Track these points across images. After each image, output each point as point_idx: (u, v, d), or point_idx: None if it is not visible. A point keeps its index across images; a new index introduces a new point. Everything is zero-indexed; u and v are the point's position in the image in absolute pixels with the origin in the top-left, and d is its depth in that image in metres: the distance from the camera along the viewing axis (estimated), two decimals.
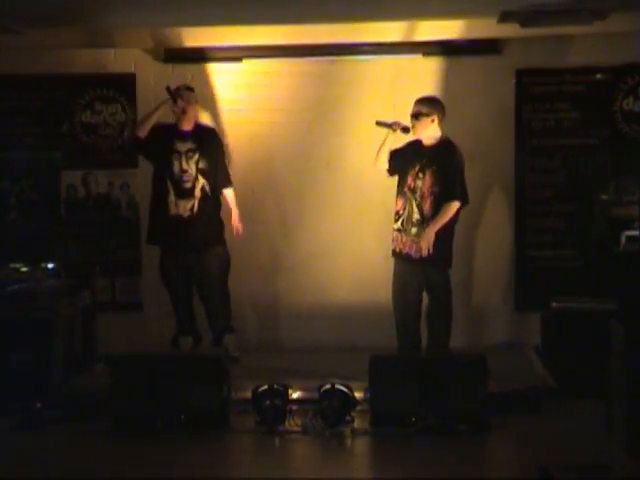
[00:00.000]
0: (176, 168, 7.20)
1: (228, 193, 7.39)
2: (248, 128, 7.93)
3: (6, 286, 6.76)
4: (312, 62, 8.03)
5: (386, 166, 7.01)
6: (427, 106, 6.88)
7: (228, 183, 7.39)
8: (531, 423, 5.97)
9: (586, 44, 7.69)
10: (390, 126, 6.92)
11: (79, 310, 7.14)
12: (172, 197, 7.21)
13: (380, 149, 6.96)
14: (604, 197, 7.63)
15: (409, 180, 6.87)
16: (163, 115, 7.25)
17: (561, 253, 7.93)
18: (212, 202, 7.30)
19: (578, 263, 7.81)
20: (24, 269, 7.06)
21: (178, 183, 7.21)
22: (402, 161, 6.94)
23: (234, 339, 7.39)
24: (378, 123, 6.96)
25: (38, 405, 6.30)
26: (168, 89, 7.18)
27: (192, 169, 7.22)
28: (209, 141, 7.34)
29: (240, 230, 7.36)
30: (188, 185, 7.21)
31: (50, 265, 7.11)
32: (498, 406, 6.00)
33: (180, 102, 7.18)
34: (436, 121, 6.88)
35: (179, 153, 7.22)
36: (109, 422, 5.99)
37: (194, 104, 7.29)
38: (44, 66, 8.01)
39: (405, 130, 6.90)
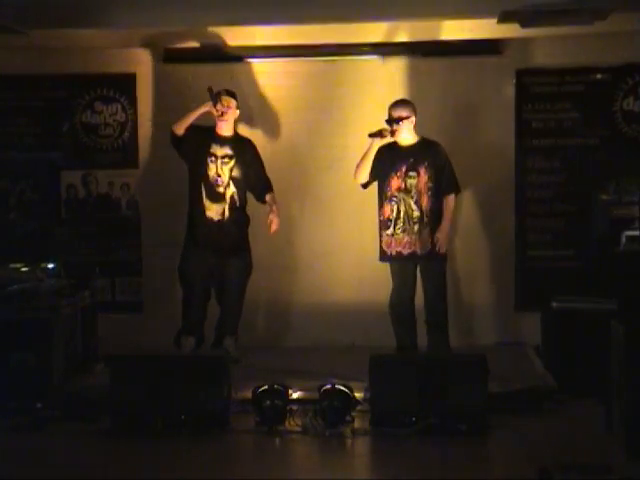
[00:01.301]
0: (211, 172, 7.25)
1: (270, 195, 7.40)
2: (248, 128, 7.93)
3: (6, 286, 6.75)
4: (312, 62, 8.04)
5: (366, 179, 7.08)
6: (407, 109, 7.04)
7: (270, 189, 7.41)
8: (531, 423, 5.96)
9: (586, 44, 7.69)
10: (380, 133, 7.00)
11: (79, 310, 7.13)
12: (205, 200, 7.24)
13: (364, 161, 7.07)
14: (604, 197, 7.63)
15: (396, 182, 7.02)
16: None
17: (561, 253, 7.93)
18: (241, 212, 7.34)
19: (578, 263, 7.81)
20: (24, 269, 7.05)
21: (212, 186, 7.24)
22: (381, 167, 7.06)
23: (234, 341, 7.39)
24: (371, 135, 7.02)
25: (38, 405, 6.31)
26: (210, 90, 7.15)
27: (225, 175, 7.25)
28: (245, 151, 7.35)
29: (275, 225, 7.32)
30: (220, 190, 7.25)
31: (50, 265, 7.11)
32: (498, 406, 6.00)
33: (220, 106, 7.18)
34: (414, 122, 7.04)
35: (215, 157, 7.25)
36: (109, 422, 5.99)
37: (234, 109, 7.28)
38: (44, 66, 8.01)
39: (393, 134, 7.02)
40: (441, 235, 6.98)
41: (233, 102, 7.26)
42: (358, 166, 7.10)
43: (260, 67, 8.08)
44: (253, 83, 8.06)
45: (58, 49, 7.86)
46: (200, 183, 7.27)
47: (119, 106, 8.12)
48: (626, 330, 5.43)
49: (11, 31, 7.11)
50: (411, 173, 7.00)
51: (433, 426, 5.77)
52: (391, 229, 7.05)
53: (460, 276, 7.90)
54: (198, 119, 7.23)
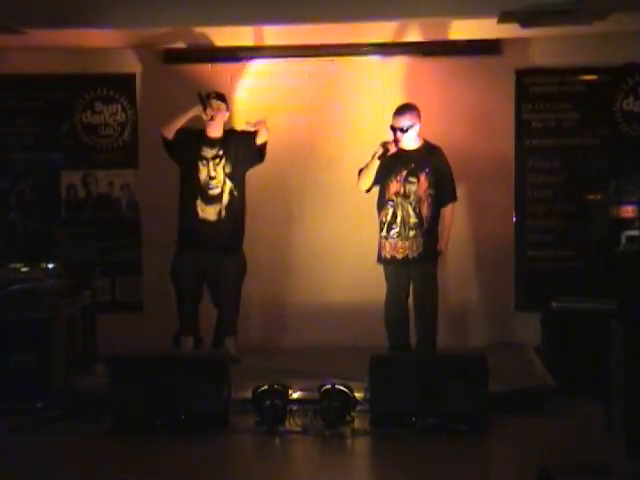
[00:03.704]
0: (203, 175, 7.25)
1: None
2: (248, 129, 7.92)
3: (6, 286, 6.75)
4: (312, 62, 8.04)
5: (369, 185, 7.10)
6: (411, 118, 6.99)
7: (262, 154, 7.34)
8: (531, 423, 5.97)
9: (586, 44, 7.69)
10: (386, 152, 6.96)
11: (79, 310, 7.13)
12: (199, 202, 7.24)
13: (368, 171, 7.06)
14: (604, 197, 7.63)
15: (395, 187, 7.01)
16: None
17: (561, 253, 7.93)
18: (238, 205, 7.31)
19: (578, 263, 7.81)
20: (24, 269, 7.05)
21: (205, 189, 7.24)
22: (382, 171, 7.06)
23: (234, 340, 7.39)
24: (380, 158, 6.95)
25: (38, 405, 6.31)
26: (199, 95, 7.17)
27: (220, 175, 7.25)
28: (234, 143, 7.31)
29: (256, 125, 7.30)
30: (216, 191, 7.24)
31: (50, 265, 7.11)
32: (498, 406, 6.00)
33: (209, 110, 7.19)
34: (418, 128, 7.02)
35: (207, 160, 7.25)
36: (109, 422, 5.99)
37: (223, 112, 7.29)
38: (44, 66, 8.01)
39: (396, 143, 7.00)
40: (442, 246, 7.05)
41: (223, 106, 7.29)
42: (361, 175, 7.08)
43: (260, 67, 8.08)
44: (253, 83, 8.05)
45: (58, 49, 7.86)
46: (193, 186, 7.26)
47: (119, 106, 8.12)
48: (626, 330, 5.43)
49: (11, 31, 7.11)
50: (411, 179, 6.98)
51: (433, 426, 5.78)
52: (384, 232, 7.05)
53: (460, 276, 7.90)
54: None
